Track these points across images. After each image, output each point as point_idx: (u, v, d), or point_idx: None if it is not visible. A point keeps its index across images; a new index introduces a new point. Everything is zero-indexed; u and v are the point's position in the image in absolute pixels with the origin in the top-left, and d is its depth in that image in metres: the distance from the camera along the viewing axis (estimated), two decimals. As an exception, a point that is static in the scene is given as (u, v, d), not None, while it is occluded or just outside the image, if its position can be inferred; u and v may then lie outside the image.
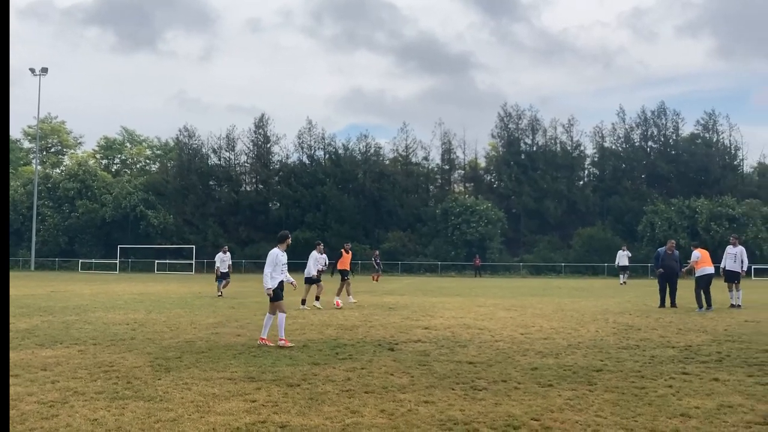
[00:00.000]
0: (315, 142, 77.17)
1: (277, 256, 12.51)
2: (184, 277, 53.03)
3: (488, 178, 77.86)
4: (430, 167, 78.04)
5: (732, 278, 21.49)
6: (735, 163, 71.70)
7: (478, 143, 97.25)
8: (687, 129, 72.82)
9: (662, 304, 21.21)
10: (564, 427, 6.72)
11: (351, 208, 70.95)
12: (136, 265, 68.13)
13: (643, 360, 10.83)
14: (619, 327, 15.53)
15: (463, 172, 79.54)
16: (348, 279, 23.23)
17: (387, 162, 76.40)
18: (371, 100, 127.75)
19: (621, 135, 73.20)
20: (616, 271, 52.89)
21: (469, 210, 64.40)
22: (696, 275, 20.65)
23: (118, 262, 67.14)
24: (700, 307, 20.12)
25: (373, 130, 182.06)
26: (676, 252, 22.11)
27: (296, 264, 25.66)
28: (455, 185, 79.43)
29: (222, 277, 27.32)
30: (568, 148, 73.02)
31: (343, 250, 23.80)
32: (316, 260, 21.71)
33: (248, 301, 23.83)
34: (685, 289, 22.39)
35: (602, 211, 69.57)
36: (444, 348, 12.10)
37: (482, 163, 78.79)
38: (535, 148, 73.22)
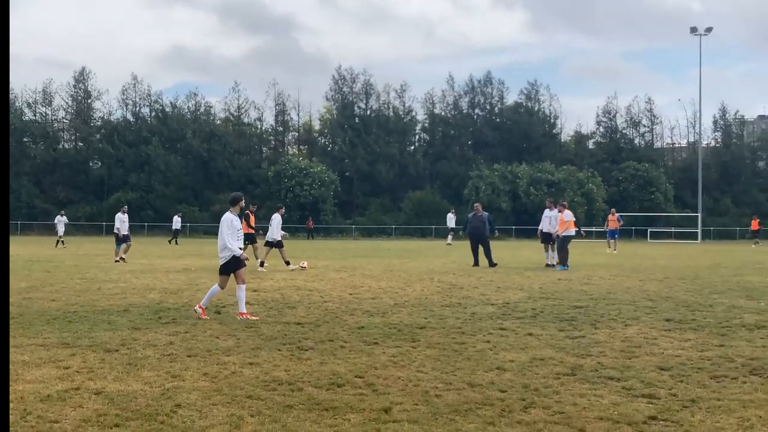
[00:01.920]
0: (140, 99, 73.88)
1: (233, 221, 11.37)
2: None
3: (322, 140, 77.86)
4: (263, 128, 76.92)
5: (547, 239, 22.81)
6: (554, 131, 76.02)
7: (312, 106, 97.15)
8: (511, 98, 76.26)
9: (476, 263, 22.34)
10: (386, 383, 6.83)
11: (178, 168, 68.59)
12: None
13: (464, 317, 11.25)
14: (444, 286, 16.07)
15: (297, 134, 79.10)
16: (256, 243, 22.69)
17: (218, 122, 74.45)
18: (197, 58, 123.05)
19: (450, 102, 75.50)
20: (443, 233, 54.96)
21: (303, 172, 64.20)
22: (562, 235, 21.77)
23: None
24: (564, 265, 21.22)
25: (203, 89, 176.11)
26: (485, 214, 23.25)
27: (135, 226, 24.55)
28: (289, 147, 78.87)
29: (123, 240, 24.83)
30: (401, 113, 74.38)
31: (249, 212, 22.74)
32: (279, 224, 21.17)
33: (65, 264, 22.53)
34: (504, 249, 23.51)
35: (431, 175, 71.67)
36: (273, 310, 12.00)
37: (316, 125, 78.68)
38: (369, 112, 73.97)
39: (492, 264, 22.06)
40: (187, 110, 73.71)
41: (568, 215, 22.05)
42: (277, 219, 21.29)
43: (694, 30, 59.93)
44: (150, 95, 74.20)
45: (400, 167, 71.67)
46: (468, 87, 75.24)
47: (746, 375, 7.27)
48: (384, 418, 5.71)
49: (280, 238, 21.28)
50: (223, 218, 11.24)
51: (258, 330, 9.87)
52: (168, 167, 67.80)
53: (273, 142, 78.23)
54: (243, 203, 11.88)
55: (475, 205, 23.93)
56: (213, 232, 50.03)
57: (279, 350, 8.45)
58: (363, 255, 29.25)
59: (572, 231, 21.93)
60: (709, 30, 60.29)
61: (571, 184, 62.34)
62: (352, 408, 5.99)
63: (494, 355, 8.23)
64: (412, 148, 75.74)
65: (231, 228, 11.12)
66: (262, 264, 20.73)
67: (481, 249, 22.58)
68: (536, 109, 74.77)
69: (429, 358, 8.02)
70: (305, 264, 20.84)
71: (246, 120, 75.56)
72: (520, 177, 62.85)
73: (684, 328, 10.27)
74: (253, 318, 10.96)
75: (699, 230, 58.17)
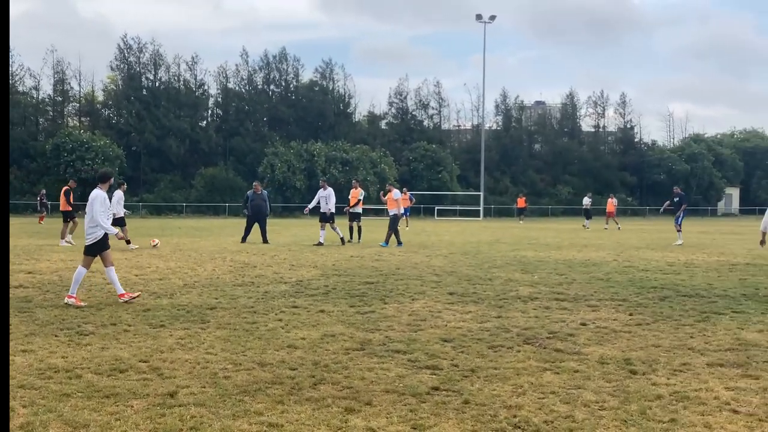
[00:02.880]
0: None
1: (105, 199, 10.47)
2: None
3: (106, 112, 73.57)
4: (40, 98, 71.35)
5: (325, 219, 23.26)
6: (348, 110, 77.14)
7: (95, 75, 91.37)
8: (306, 76, 76.32)
9: (243, 240, 23.09)
10: (173, 367, 6.60)
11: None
12: None
13: (256, 296, 11.14)
14: (236, 265, 15.82)
15: (78, 105, 74.14)
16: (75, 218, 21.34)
17: (-12, 89, 68.04)
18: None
19: (245, 77, 74.19)
20: (237, 211, 54.20)
21: (85, 146, 60.39)
22: (392, 214, 22.59)
23: None
24: (399, 243, 22.17)
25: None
26: (264, 192, 23.97)
27: None
28: (69, 119, 73.76)
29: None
30: (192, 86, 72.02)
31: (69, 187, 21.75)
32: (120, 200, 20.09)
33: None
34: (299, 227, 23.59)
35: (225, 151, 70.20)
36: (49, 293, 11.19)
37: (100, 96, 74.18)
38: (158, 84, 70.88)
39: (266, 241, 22.84)
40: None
41: (397, 194, 22.91)
42: (119, 195, 20.32)
43: (479, 17, 63.09)
44: None
45: (192, 142, 69.45)
46: (263, 62, 74.34)
47: (520, 344, 7.79)
48: (169, 403, 5.51)
49: (123, 215, 20.35)
50: (93, 195, 10.41)
51: (32, 314, 9.17)
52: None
53: (51, 113, 72.81)
54: (112, 181, 11.29)
55: (254, 183, 24.33)
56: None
57: (56, 336, 7.91)
58: (151, 234, 28.05)
59: (401, 209, 23.04)
60: (493, 18, 63.72)
61: (364, 163, 63.69)
62: (135, 394, 5.72)
63: (286, 334, 8.21)
64: (205, 123, 73.66)
65: (103, 206, 10.46)
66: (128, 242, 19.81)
67: (257, 226, 23.32)
68: (331, 88, 75.43)
69: (219, 339, 7.85)
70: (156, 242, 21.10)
71: (21, 89, 69.72)
72: (316, 155, 63.26)
73: (466, 301, 10.84)
74: (135, 294, 10.56)
75: (481, 208, 61.72)
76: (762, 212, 15.15)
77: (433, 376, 6.39)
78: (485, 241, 26.01)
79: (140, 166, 66.71)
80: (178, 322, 8.83)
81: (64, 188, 22.13)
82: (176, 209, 61.08)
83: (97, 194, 10.48)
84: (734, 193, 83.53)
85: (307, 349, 7.41)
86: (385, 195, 24.00)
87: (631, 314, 9.73)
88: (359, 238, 23.87)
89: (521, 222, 48.50)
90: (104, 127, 69.67)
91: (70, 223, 21.51)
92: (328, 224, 22.68)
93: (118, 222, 20.12)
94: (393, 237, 22.30)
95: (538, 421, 5.21)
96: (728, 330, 8.63)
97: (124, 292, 10.51)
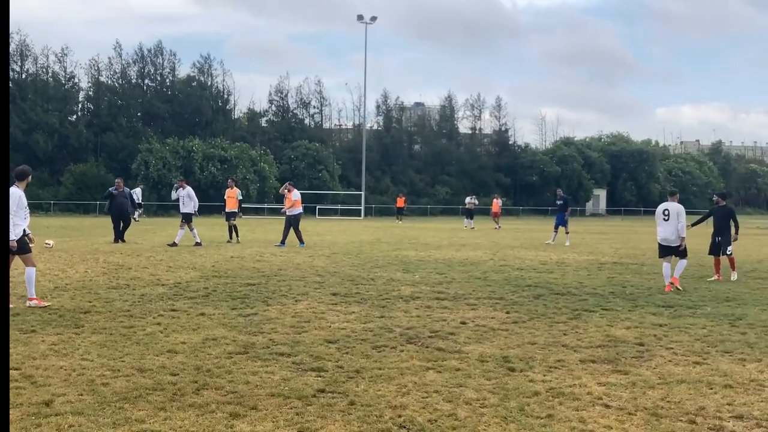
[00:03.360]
0: None
1: (21, 197, 9.66)
2: None
3: (-34, 104, 69.27)
4: None
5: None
6: (227, 107, 75.82)
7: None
8: (183, 71, 74.42)
9: (116, 240, 22.60)
10: (47, 374, 6.31)
11: None
12: None
13: (132, 299, 10.79)
14: (110, 266, 15.26)
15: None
16: None
17: None
18: None
19: (118, 71, 71.55)
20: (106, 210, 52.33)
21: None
22: (291, 214, 22.41)
23: None
24: (281, 242, 22.15)
25: None
26: (126, 189, 23.86)
27: None
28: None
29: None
30: (62, 79, 68.81)
31: None
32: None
33: None
34: (175, 226, 23.00)
35: (96, 147, 67.47)
36: None
37: (-41, 87, 69.69)
38: (24, 76, 67.32)
39: (122, 239, 22.64)
40: None
41: (296, 195, 22.82)
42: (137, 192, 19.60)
43: (360, 18, 63.46)
44: None
45: (61, 138, 66.33)
46: (137, 56, 71.91)
47: (404, 344, 7.91)
48: (45, 412, 5.27)
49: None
50: (10, 193, 9.58)
51: None
52: None
53: None
54: (30, 178, 10.46)
55: (116, 180, 23.81)
56: None
57: None
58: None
59: (299, 209, 22.92)
60: (374, 19, 64.27)
61: (243, 162, 62.80)
62: (5, 406, 5.42)
63: (165, 338, 8.00)
64: (75, 117, 70.53)
65: (18, 206, 9.81)
66: None
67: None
68: (209, 83, 73.93)
69: (94, 345, 7.56)
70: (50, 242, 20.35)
71: None
72: (194, 152, 61.82)
73: (349, 301, 10.90)
74: (44, 304, 9.89)
75: (362, 207, 62.12)
76: (628, 213, 16.08)
77: (319, 378, 6.40)
78: (367, 240, 26.22)
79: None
80: (50, 327, 8.44)
81: None
82: (43, 207, 58.09)
83: (12, 192, 9.81)
84: (602, 194, 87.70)
85: (188, 354, 7.25)
86: (288, 192, 23.13)
87: (507, 312, 10.07)
88: (237, 238, 23.53)
89: (400, 222, 48.76)
90: (-37, 119, 65.39)
91: None
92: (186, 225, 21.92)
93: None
94: (283, 236, 22.33)
95: (423, 420, 5.32)
96: (598, 327, 9.08)
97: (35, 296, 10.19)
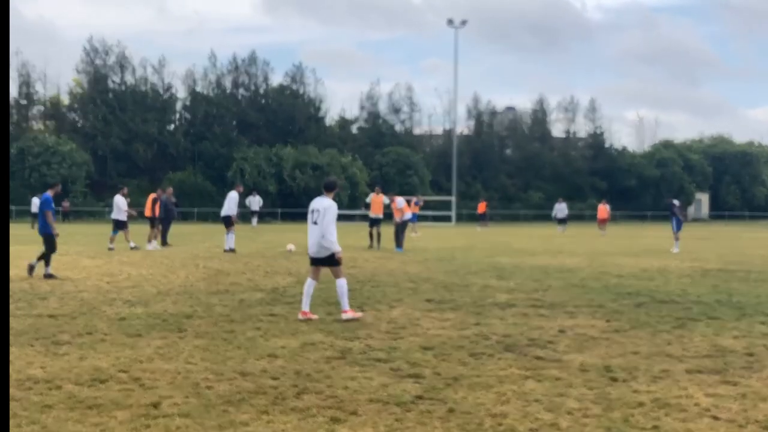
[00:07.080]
0: None
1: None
2: None
3: (72, 116, 72.58)
4: (4, 101, 70.17)
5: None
6: (319, 115, 76.91)
7: (61, 78, 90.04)
8: (276, 80, 75.94)
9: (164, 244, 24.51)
10: (154, 377, 6.51)
11: None
12: None
13: (232, 304, 11.04)
14: (210, 272, 15.67)
15: (43, 108, 73.06)
16: None
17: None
18: None
19: (213, 80, 73.63)
20: (205, 216, 54.00)
21: (50, 151, 59.54)
22: (400, 221, 22.91)
23: None
24: (400, 247, 22.56)
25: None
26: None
27: None
28: (34, 123, 72.64)
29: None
30: (159, 89, 71.31)
31: None
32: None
33: None
34: (271, 232, 23.43)
35: (193, 156, 69.57)
36: (21, 302, 10.99)
37: (66, 100, 73.13)
38: (124, 88, 70.06)
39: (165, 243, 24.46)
40: None
41: (401, 202, 23.26)
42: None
43: (450, 22, 63.40)
44: None
45: (159, 147, 68.77)
46: (232, 66, 73.85)
47: (501, 352, 7.80)
48: (153, 414, 5.44)
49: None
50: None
51: (4, 325, 8.99)
52: None
53: (16, 117, 71.61)
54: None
55: (169, 189, 27.08)
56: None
57: (32, 346, 7.78)
58: (119, 240, 27.70)
59: (409, 215, 23.43)
60: (464, 23, 64.12)
61: (334, 168, 63.57)
62: (118, 404, 5.64)
63: (265, 342, 8.14)
64: (173, 126, 72.96)
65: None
66: None
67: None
68: (301, 91, 75.17)
69: (198, 349, 7.76)
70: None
71: (-17, 92, 68.51)
72: (284, 159, 62.97)
73: (444, 308, 10.84)
74: (358, 315, 9.96)
75: (453, 213, 61.89)
76: (732, 218, 15.44)
77: (417, 385, 6.38)
78: (459, 246, 26.07)
79: (107, 171, 65.87)
80: (154, 331, 8.72)
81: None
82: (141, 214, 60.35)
83: (329, 205, 10.34)
84: (704, 198, 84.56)
85: (287, 358, 7.36)
86: (392, 203, 23.80)
87: (608, 321, 9.81)
88: (378, 245, 23.64)
89: (479, 229, 44.38)
90: (69, 130, 68.73)
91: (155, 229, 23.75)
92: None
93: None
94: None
95: (524, 429, 5.22)
96: (704, 336, 8.73)
97: None
